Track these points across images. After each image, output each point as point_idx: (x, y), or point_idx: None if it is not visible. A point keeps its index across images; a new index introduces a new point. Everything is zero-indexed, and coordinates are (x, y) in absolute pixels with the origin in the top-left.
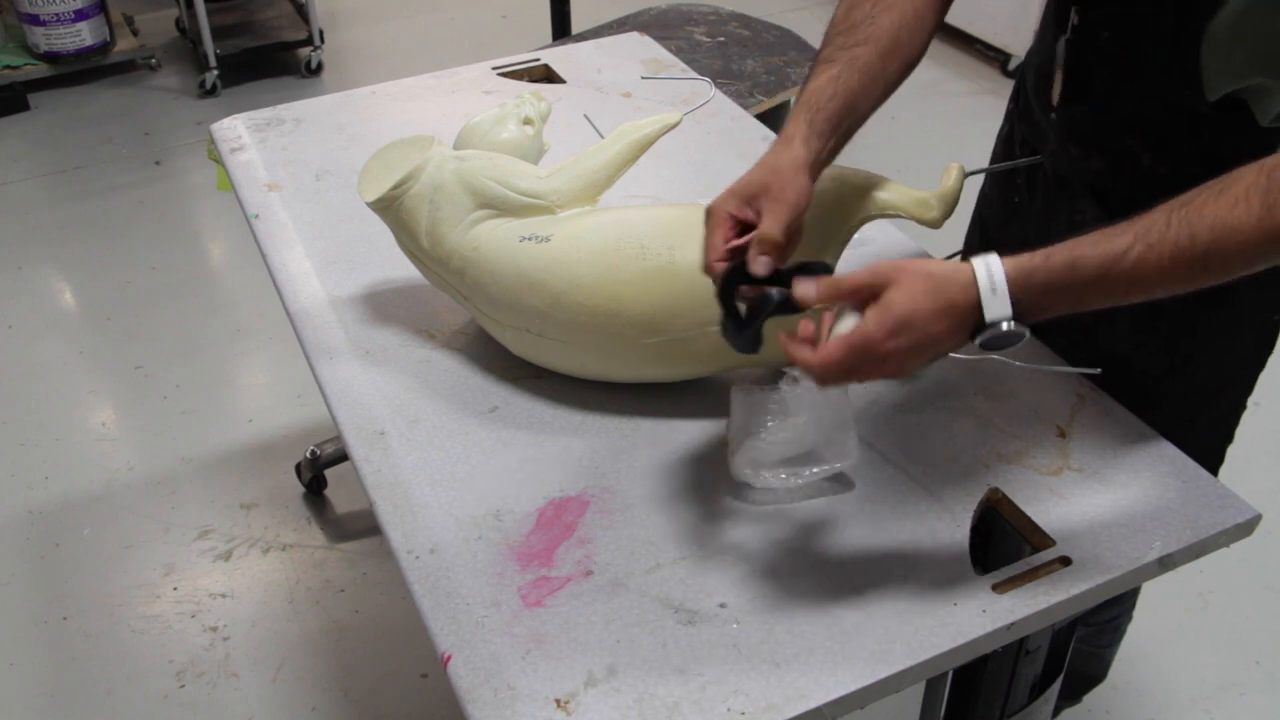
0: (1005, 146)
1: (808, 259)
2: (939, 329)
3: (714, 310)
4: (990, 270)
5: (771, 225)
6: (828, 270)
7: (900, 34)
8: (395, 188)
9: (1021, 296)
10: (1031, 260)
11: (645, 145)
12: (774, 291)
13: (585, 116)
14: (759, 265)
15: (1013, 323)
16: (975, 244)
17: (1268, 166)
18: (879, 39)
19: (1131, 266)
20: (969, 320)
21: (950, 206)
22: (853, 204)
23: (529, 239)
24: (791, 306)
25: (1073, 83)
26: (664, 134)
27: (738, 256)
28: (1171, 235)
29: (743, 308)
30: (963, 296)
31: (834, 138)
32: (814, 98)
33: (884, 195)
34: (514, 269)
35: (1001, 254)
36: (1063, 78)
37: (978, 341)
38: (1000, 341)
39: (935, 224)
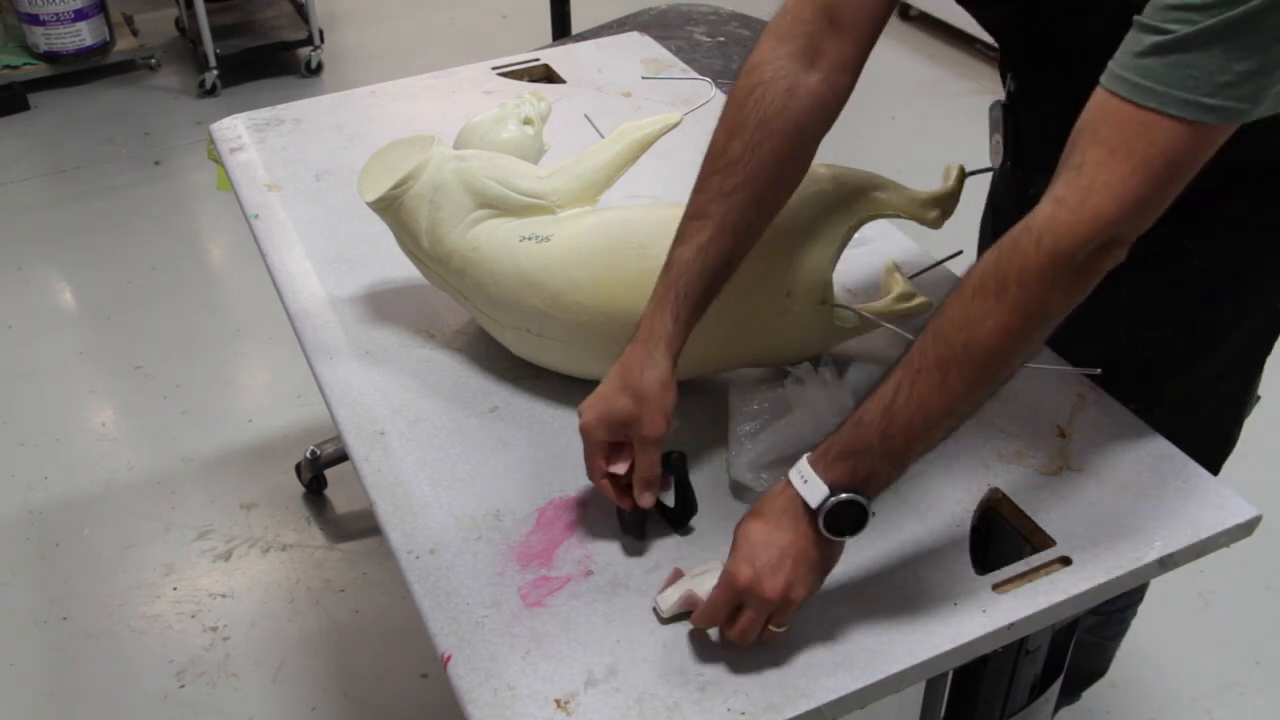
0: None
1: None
2: (784, 537)
3: (714, 311)
4: (799, 467)
5: (647, 467)
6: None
7: (783, 161)
8: (395, 187)
9: (830, 471)
10: (830, 437)
11: (645, 145)
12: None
13: (586, 116)
14: (645, 500)
15: (836, 497)
16: (988, 232)
17: (999, 248)
18: (758, 176)
19: (908, 398)
20: (803, 516)
21: (950, 207)
22: (853, 204)
23: (529, 239)
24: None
25: (1012, 147)
26: (664, 134)
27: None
28: (932, 352)
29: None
30: (785, 500)
31: (696, 316)
32: (681, 279)
33: (883, 195)
34: (514, 269)
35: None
36: (1002, 143)
37: (824, 530)
38: (841, 523)
39: (935, 224)
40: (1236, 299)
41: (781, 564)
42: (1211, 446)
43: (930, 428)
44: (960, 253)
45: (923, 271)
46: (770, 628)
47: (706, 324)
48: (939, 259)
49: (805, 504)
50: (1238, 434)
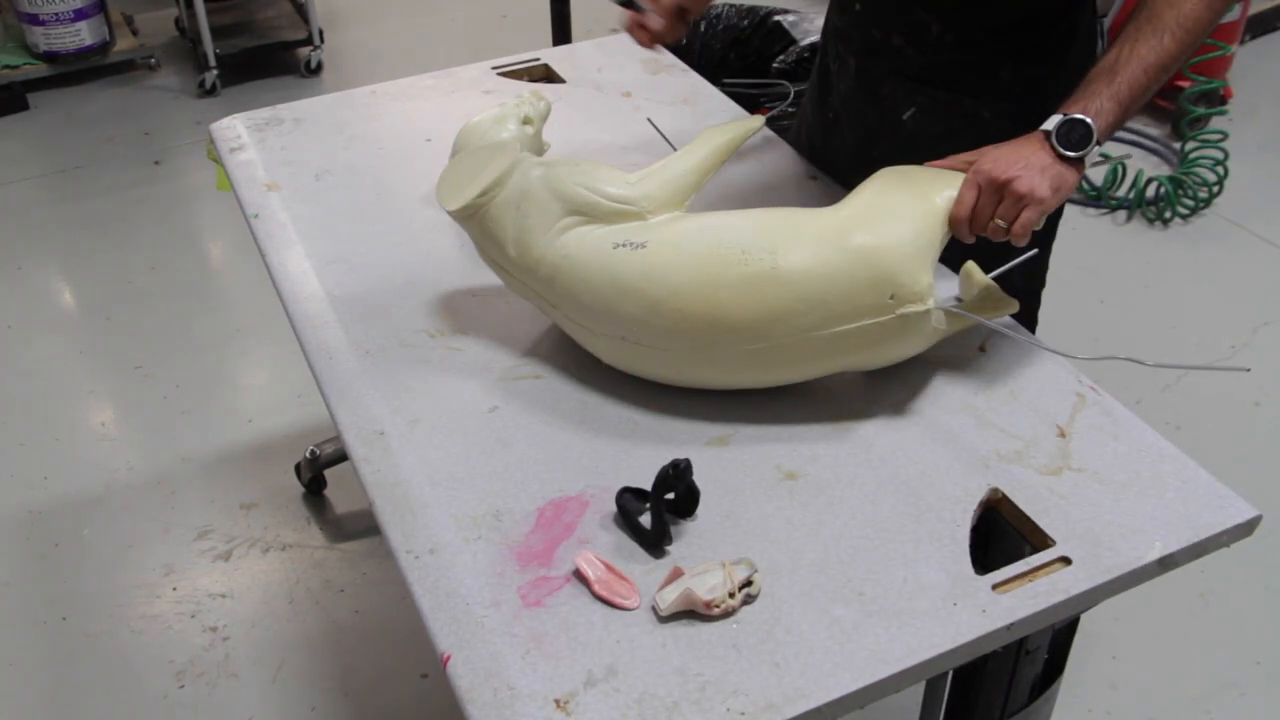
0: (820, 76)
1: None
2: (1028, 149)
3: (818, 315)
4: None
5: None
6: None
7: None
8: (480, 195)
9: (1063, 109)
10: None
11: (731, 149)
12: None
13: (649, 120)
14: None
15: (1067, 115)
16: (806, 153)
17: None
18: None
19: (1129, 56)
20: (1041, 139)
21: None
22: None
23: (623, 246)
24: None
25: None
26: (748, 138)
27: None
28: (1146, 27)
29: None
30: (1025, 137)
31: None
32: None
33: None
34: (609, 276)
35: (826, 161)
36: None
37: (1056, 144)
38: (1072, 138)
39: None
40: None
41: (1030, 166)
42: (1026, 287)
43: (1150, 78)
44: (1035, 250)
45: (1000, 272)
46: (1014, 230)
47: (809, 324)
48: (1015, 259)
49: (1043, 130)
50: (1037, 308)
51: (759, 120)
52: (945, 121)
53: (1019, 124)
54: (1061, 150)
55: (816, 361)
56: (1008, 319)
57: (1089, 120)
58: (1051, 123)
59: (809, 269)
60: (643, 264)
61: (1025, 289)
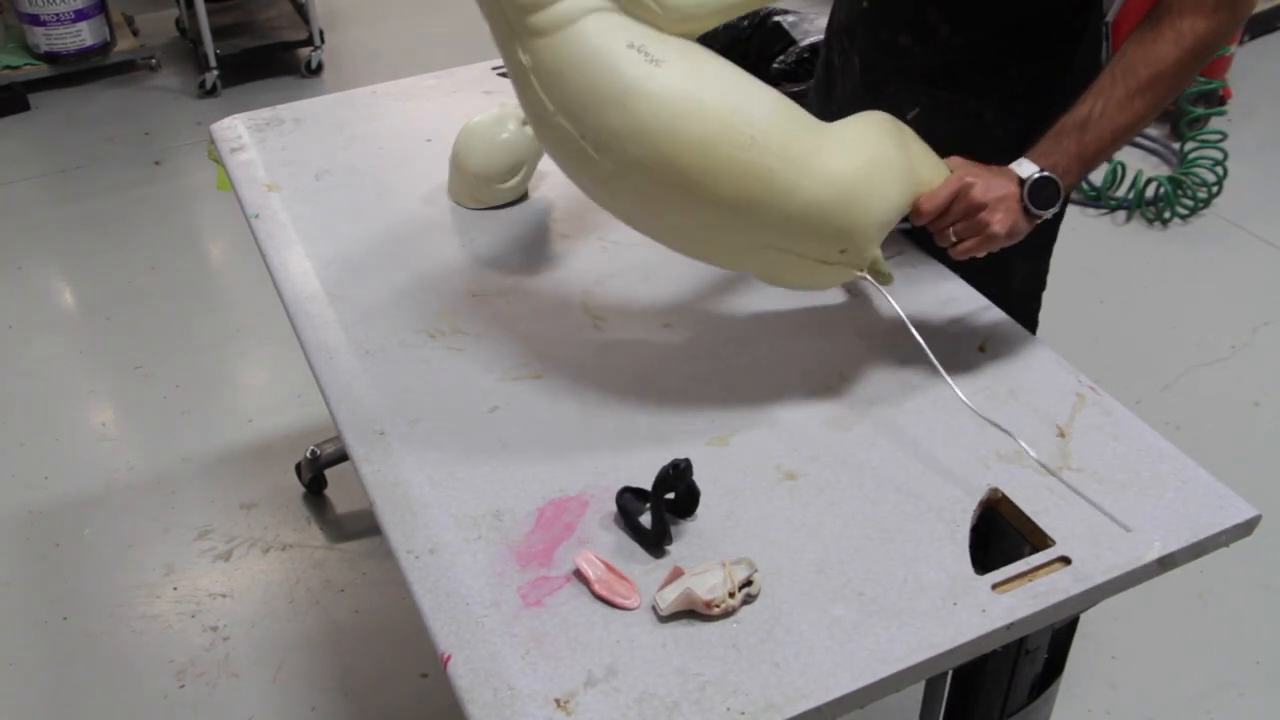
0: (824, 73)
1: (675, 458)
2: (1003, 185)
3: (777, 233)
4: (1016, 164)
5: None
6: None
7: None
8: None
9: (1035, 160)
10: (1031, 149)
11: None
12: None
13: None
14: None
15: (1042, 173)
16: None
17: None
18: None
19: (1100, 117)
20: (1015, 180)
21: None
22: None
23: (638, 51)
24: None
25: None
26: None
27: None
28: (1121, 84)
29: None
30: (1000, 170)
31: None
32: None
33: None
34: (611, 78)
35: None
36: None
37: (1026, 199)
38: (1041, 197)
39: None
40: None
41: (1005, 206)
42: (1026, 290)
43: (1116, 139)
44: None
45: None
46: (958, 249)
47: (766, 236)
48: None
49: (1017, 175)
50: (1038, 310)
51: None
52: (949, 122)
53: (1023, 124)
54: (1028, 204)
55: (745, 259)
56: (1005, 318)
57: (1060, 184)
58: (1025, 171)
59: (800, 191)
60: (655, 87)
61: (1025, 291)
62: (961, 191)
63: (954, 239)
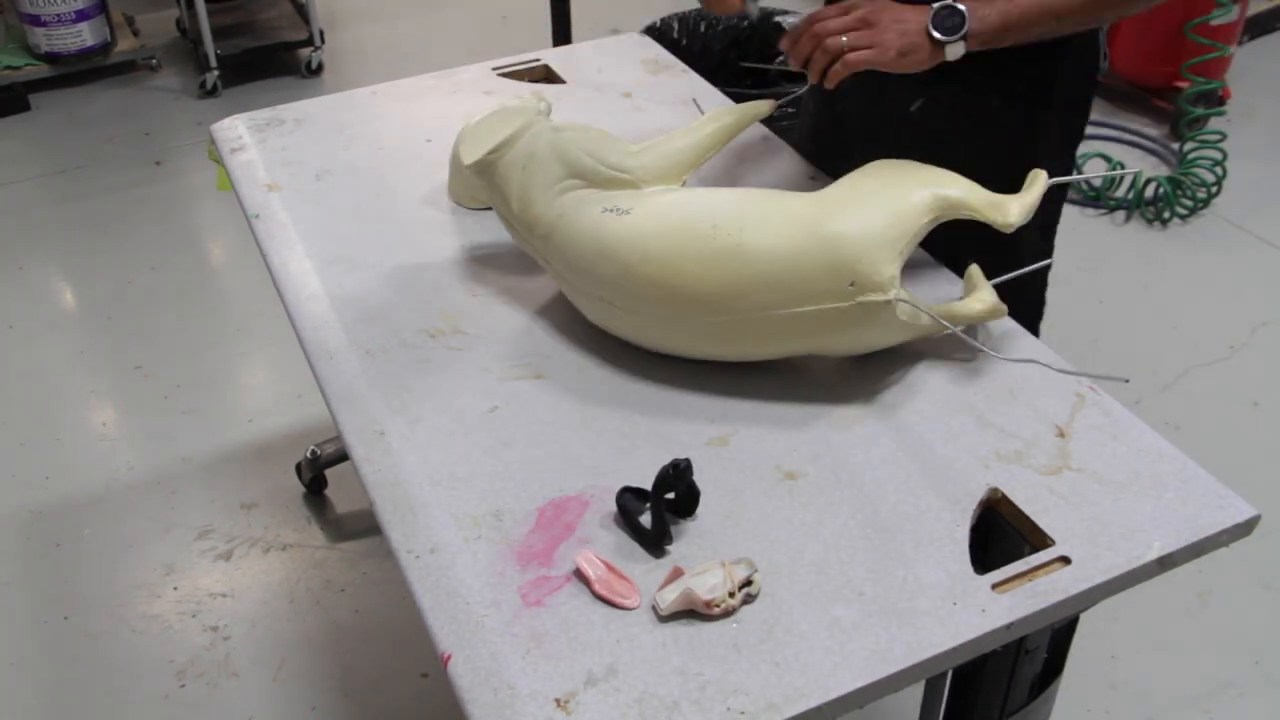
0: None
1: (675, 458)
2: (909, 12)
3: (776, 295)
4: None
5: None
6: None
7: None
8: (491, 152)
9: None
10: None
11: (735, 130)
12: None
13: (694, 100)
14: None
15: (950, 2)
16: (811, 150)
17: None
18: None
19: None
20: (926, 10)
21: (1029, 213)
22: (930, 202)
23: (610, 211)
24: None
25: None
26: (754, 120)
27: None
28: None
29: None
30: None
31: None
32: None
33: (959, 195)
34: (593, 238)
35: (834, 157)
36: None
37: (930, 26)
38: (944, 22)
39: (1008, 229)
40: (1034, 157)
41: (901, 23)
42: (1024, 311)
43: (1041, 18)
44: (1049, 263)
45: (1009, 279)
46: (836, 66)
47: (768, 302)
48: (1028, 268)
49: (931, 6)
50: (1043, 307)
51: (767, 104)
52: (952, 112)
53: (1029, 109)
54: (931, 29)
55: (778, 340)
56: (1009, 321)
57: (965, 13)
58: (938, 3)
59: (771, 248)
60: (623, 229)
61: (1032, 295)
62: (854, 4)
63: (843, 42)
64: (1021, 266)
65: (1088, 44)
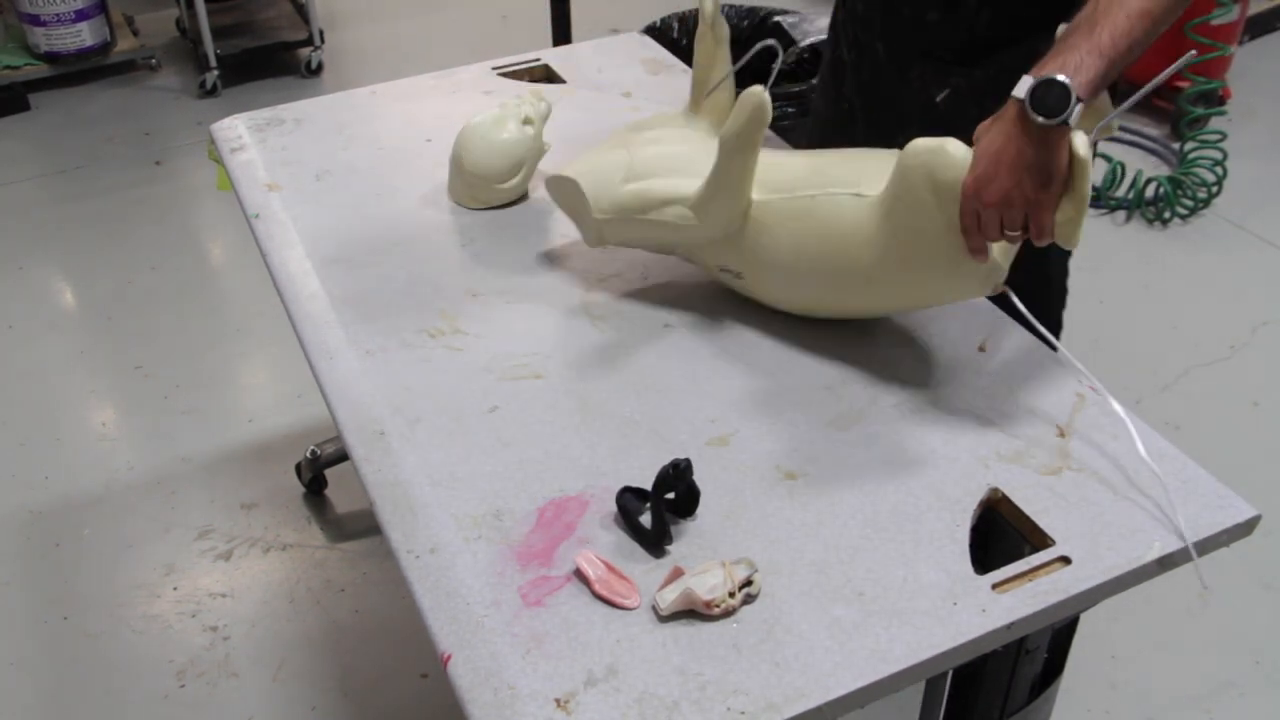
0: (832, 70)
1: (675, 458)
2: (997, 142)
3: (891, 221)
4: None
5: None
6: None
7: None
8: (593, 236)
9: (1038, 71)
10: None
11: (749, 145)
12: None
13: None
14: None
15: (1038, 78)
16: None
17: None
18: None
19: (1107, 6)
20: (1014, 114)
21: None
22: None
23: (726, 271)
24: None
25: None
26: (758, 125)
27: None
28: None
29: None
30: (998, 115)
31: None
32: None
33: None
34: (721, 286)
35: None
36: None
37: (1030, 112)
38: (1046, 102)
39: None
40: None
41: (1013, 172)
42: (1039, 289)
43: (1132, 23)
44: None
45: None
46: (1030, 230)
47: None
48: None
49: (1015, 99)
50: (1062, 309)
51: (756, 93)
52: (980, 103)
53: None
54: (1040, 120)
55: (890, 276)
56: (1004, 318)
57: (1064, 79)
58: (1023, 87)
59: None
60: (745, 288)
61: (1059, 276)
62: (972, 203)
63: (1017, 234)
64: (1044, 255)
65: None
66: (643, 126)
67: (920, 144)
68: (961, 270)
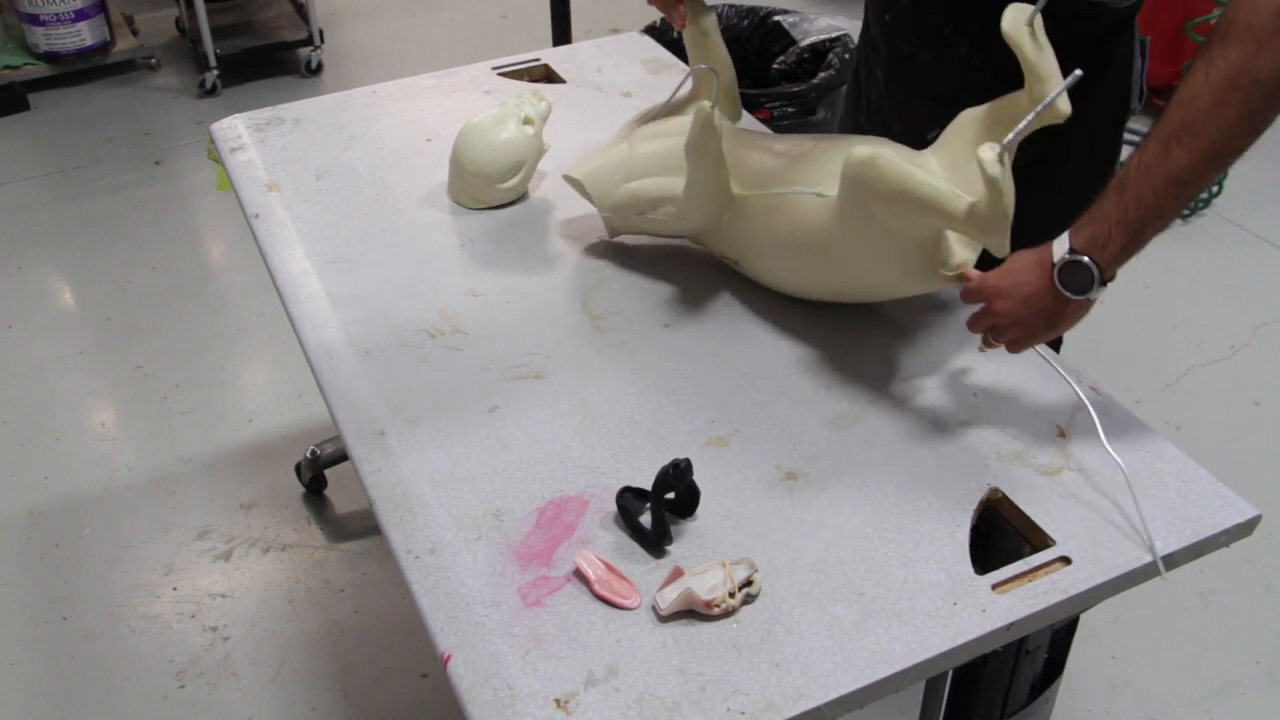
0: (855, 80)
1: (675, 458)
2: (1028, 283)
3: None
4: (1059, 238)
5: None
6: (689, 466)
7: None
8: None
9: (1074, 237)
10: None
11: (705, 155)
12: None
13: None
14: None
15: (1073, 255)
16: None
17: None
18: None
19: (1136, 171)
20: (1046, 267)
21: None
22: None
23: (727, 259)
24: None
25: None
26: (708, 137)
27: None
28: (1157, 131)
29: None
30: (1036, 254)
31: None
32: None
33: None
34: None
35: None
36: None
37: (1057, 283)
38: (1073, 280)
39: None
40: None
41: (1030, 310)
42: None
43: (1159, 197)
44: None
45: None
46: (993, 341)
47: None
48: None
49: (1050, 257)
50: None
51: (703, 108)
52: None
53: (1047, 149)
54: (1066, 294)
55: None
56: None
57: (1088, 262)
58: (1058, 253)
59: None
60: (746, 273)
61: None
62: (993, 312)
63: (1002, 345)
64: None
65: (1119, 75)
66: (649, 116)
67: (855, 154)
68: (913, 269)
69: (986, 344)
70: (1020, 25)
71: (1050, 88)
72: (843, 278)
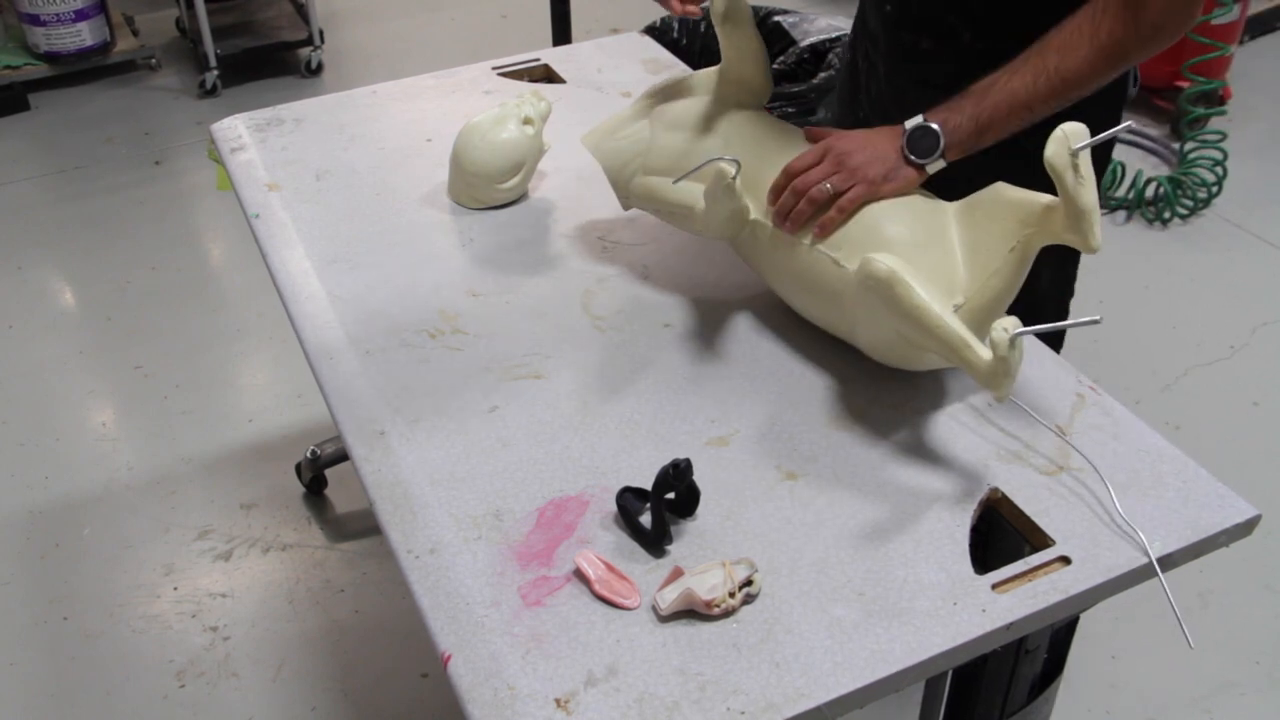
0: (850, 76)
1: (675, 458)
2: (879, 140)
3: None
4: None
5: None
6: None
7: None
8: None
9: (927, 116)
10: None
11: (722, 202)
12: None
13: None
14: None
15: (924, 122)
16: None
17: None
18: None
19: (1002, 87)
20: (898, 133)
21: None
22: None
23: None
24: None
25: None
26: (726, 195)
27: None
28: (1031, 61)
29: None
30: (888, 128)
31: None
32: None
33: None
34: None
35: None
36: None
37: (905, 149)
38: (919, 145)
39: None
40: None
41: (872, 150)
42: (1055, 295)
43: (1012, 112)
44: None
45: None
46: (830, 213)
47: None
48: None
49: (903, 127)
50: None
51: (724, 171)
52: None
53: (1045, 140)
54: (908, 154)
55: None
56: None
57: (939, 132)
58: (911, 122)
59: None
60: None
61: (1054, 295)
62: (825, 148)
63: (830, 189)
64: (1038, 285)
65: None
66: (671, 94)
67: (873, 270)
68: (927, 360)
69: (840, 200)
70: (1064, 156)
71: (1086, 222)
72: (864, 344)
